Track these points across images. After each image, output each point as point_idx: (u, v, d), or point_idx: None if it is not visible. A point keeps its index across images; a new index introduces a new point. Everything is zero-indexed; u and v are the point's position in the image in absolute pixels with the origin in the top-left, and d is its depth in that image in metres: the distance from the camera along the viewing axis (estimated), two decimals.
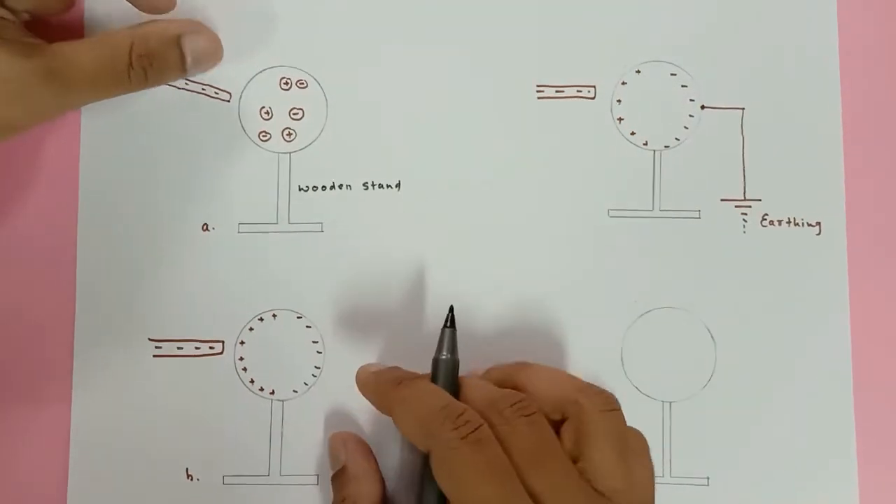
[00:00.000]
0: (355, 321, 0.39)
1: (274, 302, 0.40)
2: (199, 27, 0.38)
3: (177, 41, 0.37)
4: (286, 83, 0.40)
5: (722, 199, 0.40)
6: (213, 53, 0.38)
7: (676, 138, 0.40)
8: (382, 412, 0.35)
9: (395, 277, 0.39)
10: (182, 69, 0.37)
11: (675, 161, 0.40)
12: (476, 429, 0.30)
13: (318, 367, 0.39)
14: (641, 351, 0.40)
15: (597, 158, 0.40)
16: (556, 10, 0.40)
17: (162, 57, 0.37)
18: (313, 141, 0.40)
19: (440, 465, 0.30)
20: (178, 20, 0.39)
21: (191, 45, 0.37)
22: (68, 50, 0.35)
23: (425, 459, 0.32)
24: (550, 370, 0.35)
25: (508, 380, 0.34)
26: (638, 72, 0.40)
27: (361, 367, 0.37)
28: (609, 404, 0.33)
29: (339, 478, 0.36)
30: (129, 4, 0.37)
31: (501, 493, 0.29)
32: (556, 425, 0.33)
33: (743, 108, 0.40)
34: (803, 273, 0.40)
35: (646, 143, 0.40)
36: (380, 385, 0.35)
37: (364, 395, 0.36)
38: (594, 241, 0.40)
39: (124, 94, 0.37)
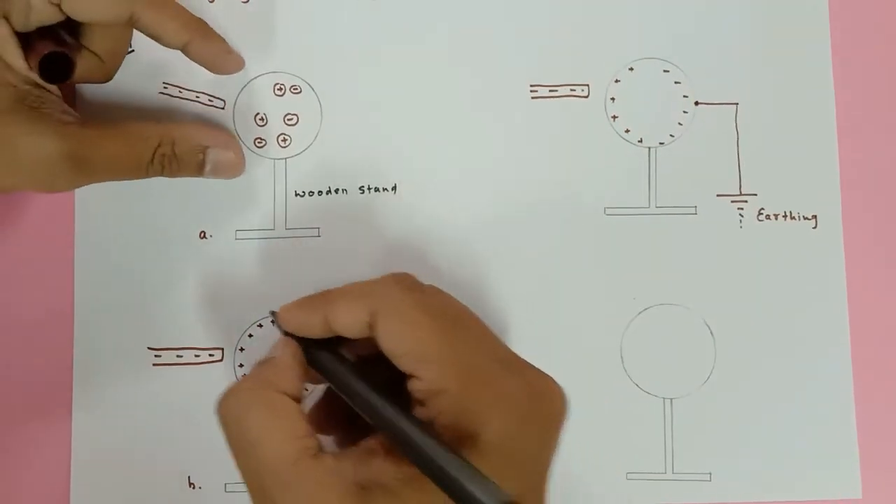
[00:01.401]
0: None
1: (273, 308, 0.39)
2: (228, 141, 0.38)
3: (202, 150, 0.37)
4: (280, 89, 0.40)
5: (718, 195, 0.40)
6: (233, 168, 0.38)
7: (671, 135, 0.40)
8: (310, 330, 0.33)
9: None
10: (199, 174, 0.38)
11: (671, 158, 0.40)
12: (415, 281, 0.33)
13: None
14: (641, 348, 0.40)
15: (592, 157, 0.40)
16: (547, 11, 0.40)
17: (183, 161, 0.37)
18: (308, 146, 0.40)
19: (388, 318, 0.31)
20: (211, 129, 0.38)
21: (214, 157, 0.38)
22: (98, 138, 0.35)
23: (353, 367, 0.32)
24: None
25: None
26: (631, 69, 0.40)
27: (282, 308, 0.34)
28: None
29: (262, 363, 0.33)
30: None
31: (451, 329, 0.31)
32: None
33: (737, 104, 0.40)
34: (801, 266, 0.40)
35: (640, 141, 0.40)
36: (306, 302, 0.33)
37: (292, 325, 0.33)
38: (591, 239, 0.40)
39: (136, 179, 0.37)
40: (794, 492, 0.39)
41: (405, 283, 0.32)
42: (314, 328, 0.33)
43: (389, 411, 0.30)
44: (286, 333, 0.33)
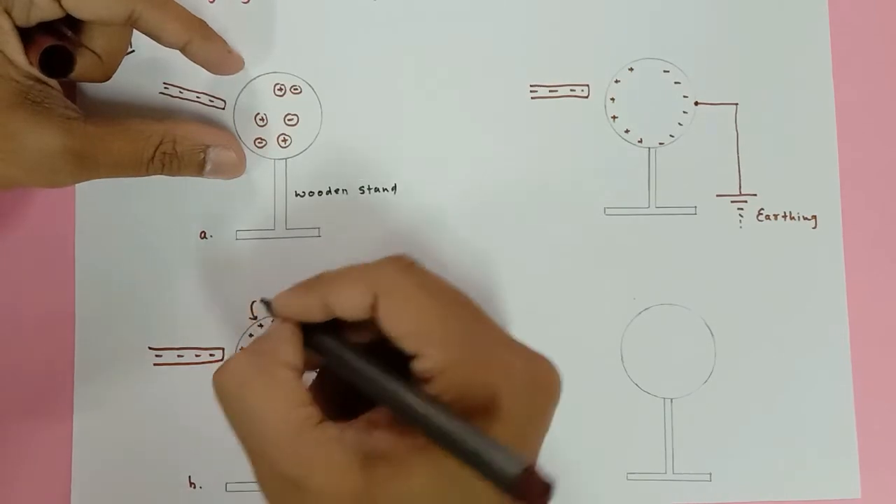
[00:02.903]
0: None
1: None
2: (230, 141, 0.38)
3: (203, 149, 0.37)
4: (280, 89, 0.40)
5: (717, 195, 0.40)
6: (234, 168, 0.39)
7: (671, 135, 0.40)
8: (309, 314, 0.33)
9: None
10: (199, 174, 0.38)
11: (670, 158, 0.40)
12: (413, 261, 0.33)
13: None
14: (641, 348, 0.40)
15: (592, 157, 0.40)
16: (547, 10, 0.40)
17: (184, 160, 0.37)
18: (309, 146, 0.40)
19: (391, 299, 0.31)
20: (213, 129, 0.39)
21: (214, 157, 0.38)
22: (101, 135, 0.35)
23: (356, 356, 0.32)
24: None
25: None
26: (631, 70, 0.40)
27: (278, 295, 0.33)
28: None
29: (259, 337, 0.33)
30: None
31: (453, 308, 0.32)
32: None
33: (736, 104, 0.40)
34: (800, 266, 0.40)
35: (640, 141, 0.40)
36: (304, 286, 0.33)
37: (290, 310, 0.33)
38: (591, 239, 0.40)
39: (137, 176, 0.37)
40: (794, 492, 0.39)
41: (404, 264, 0.33)
42: (313, 312, 0.32)
43: (393, 387, 0.30)
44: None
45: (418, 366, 0.31)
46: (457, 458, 0.28)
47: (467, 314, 0.32)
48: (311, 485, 0.29)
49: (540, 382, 0.32)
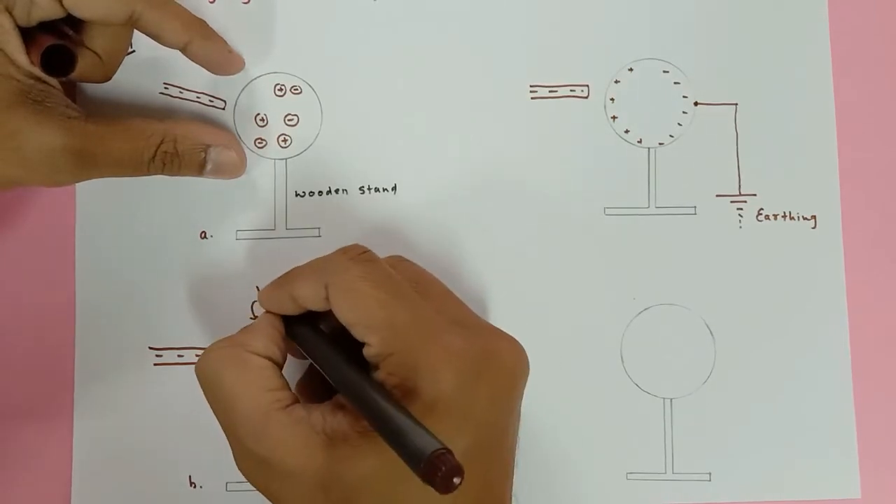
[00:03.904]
0: None
1: None
2: (230, 141, 0.39)
3: (204, 149, 0.37)
4: (280, 90, 0.40)
5: (717, 195, 0.40)
6: (234, 168, 0.39)
7: (670, 135, 0.40)
8: (283, 307, 0.35)
9: None
10: (199, 174, 0.38)
11: (670, 158, 0.40)
12: (364, 252, 0.34)
13: None
14: (641, 348, 0.40)
15: (592, 157, 0.40)
16: (547, 11, 0.41)
17: (185, 160, 0.37)
18: (309, 146, 0.40)
19: (336, 290, 0.32)
20: (214, 129, 0.39)
21: (215, 157, 0.38)
22: (101, 134, 0.36)
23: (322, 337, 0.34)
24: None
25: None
26: (630, 70, 0.40)
27: (260, 290, 0.36)
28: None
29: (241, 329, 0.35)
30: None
31: (395, 296, 0.32)
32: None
33: (736, 104, 0.40)
34: (800, 267, 0.40)
35: (640, 141, 0.40)
36: (276, 282, 0.35)
37: (268, 304, 0.35)
38: (591, 239, 0.40)
39: (137, 176, 0.37)
40: (794, 492, 0.39)
41: (352, 255, 0.34)
42: (285, 305, 0.34)
43: (343, 372, 0.32)
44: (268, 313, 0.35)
45: (366, 352, 0.32)
46: (381, 436, 0.29)
47: (417, 301, 0.33)
48: (278, 462, 0.31)
49: (488, 367, 0.32)
